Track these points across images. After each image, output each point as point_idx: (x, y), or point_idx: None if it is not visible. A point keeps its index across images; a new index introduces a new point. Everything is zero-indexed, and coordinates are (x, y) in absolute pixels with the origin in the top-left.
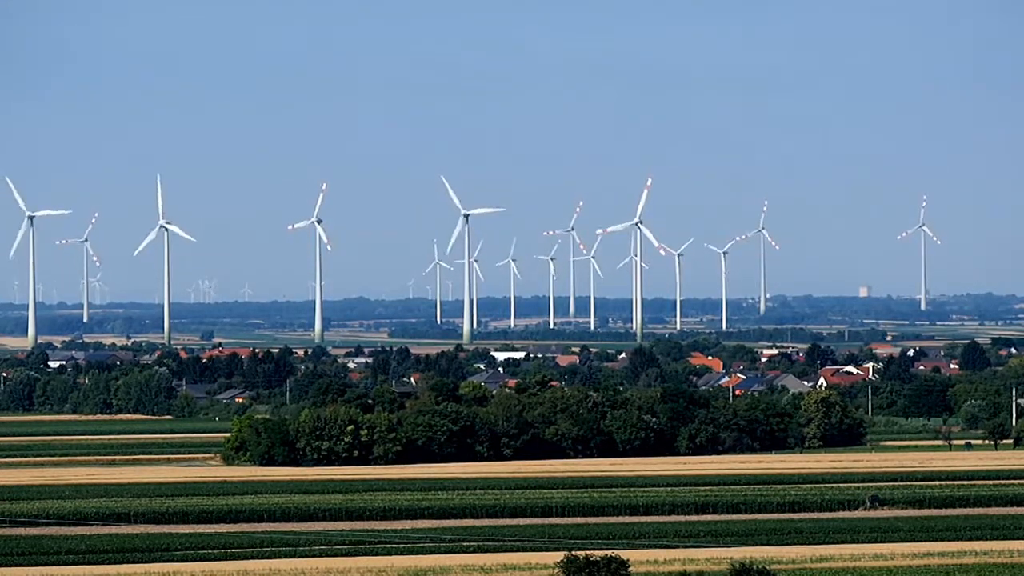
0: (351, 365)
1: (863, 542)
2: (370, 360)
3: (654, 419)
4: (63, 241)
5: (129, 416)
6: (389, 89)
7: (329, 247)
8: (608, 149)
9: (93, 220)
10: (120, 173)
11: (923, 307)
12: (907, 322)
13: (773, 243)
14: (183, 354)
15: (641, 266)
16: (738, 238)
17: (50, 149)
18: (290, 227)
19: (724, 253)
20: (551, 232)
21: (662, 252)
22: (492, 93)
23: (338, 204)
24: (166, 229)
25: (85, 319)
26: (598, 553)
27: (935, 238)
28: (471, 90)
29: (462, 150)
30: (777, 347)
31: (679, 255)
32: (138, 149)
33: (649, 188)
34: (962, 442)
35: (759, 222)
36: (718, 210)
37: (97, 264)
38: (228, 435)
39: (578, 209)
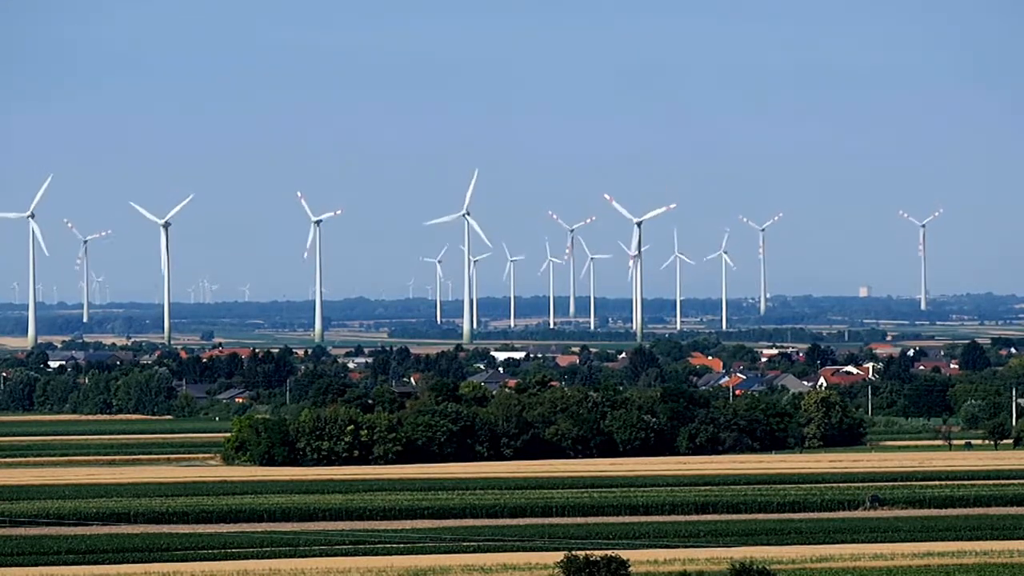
0: (351, 365)
1: (863, 542)
2: (370, 360)
3: (654, 419)
4: (79, 258)
5: (129, 416)
6: (390, 89)
7: (305, 255)
8: (608, 149)
9: (103, 233)
10: (120, 172)
11: (923, 307)
12: (907, 322)
13: (761, 250)
14: (183, 354)
15: (641, 266)
16: (741, 217)
17: (50, 148)
18: (305, 254)
19: (724, 253)
20: (554, 215)
21: (630, 262)
22: (493, 92)
23: (338, 204)
24: (167, 227)
25: (85, 319)
26: (598, 553)
27: (921, 248)
28: (472, 90)
29: (463, 150)
30: (777, 347)
31: (679, 255)
32: (138, 149)
33: (669, 209)
34: (962, 442)
35: (762, 223)
36: (718, 210)
37: (108, 233)
38: (228, 435)
39: (589, 220)
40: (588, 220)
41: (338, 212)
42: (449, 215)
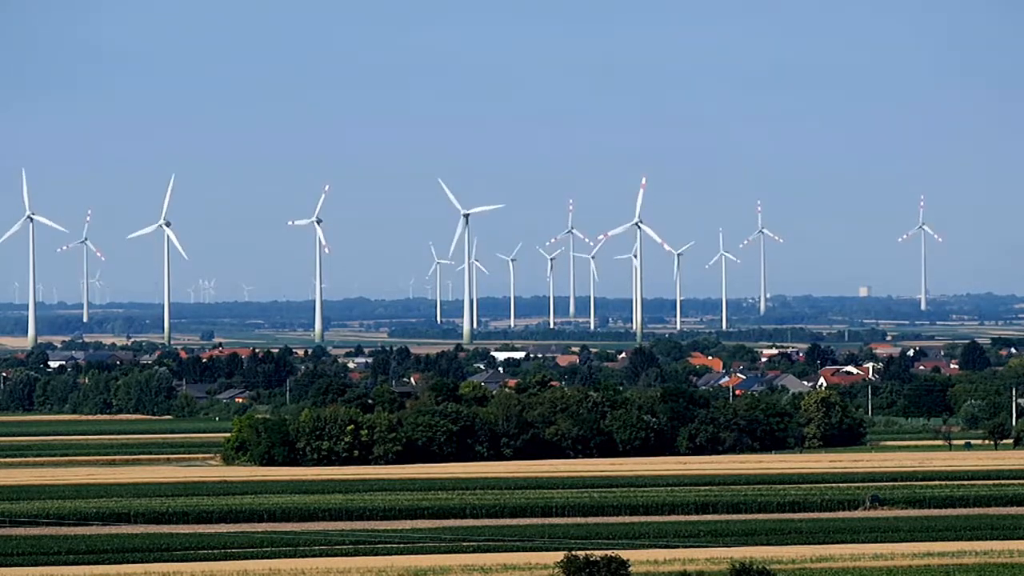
0: (351, 365)
1: (863, 542)
2: (370, 360)
3: (654, 419)
4: (64, 247)
5: (129, 416)
6: (389, 88)
7: (327, 250)
8: (608, 149)
9: (88, 218)
10: (120, 173)
11: (923, 307)
12: (907, 322)
13: (777, 238)
14: (183, 354)
15: (641, 266)
16: (743, 243)
17: (50, 148)
18: (290, 222)
19: (724, 253)
20: (554, 239)
21: (666, 247)
22: (491, 92)
23: (338, 204)
24: (165, 228)
25: (85, 319)
26: (598, 553)
27: (936, 236)
28: (471, 89)
29: (462, 150)
30: (777, 347)
31: (679, 255)
32: (138, 148)
33: (644, 187)
34: (962, 442)
35: (757, 223)
36: (718, 210)
37: (101, 258)
38: (228, 435)
39: (570, 208)
40: (570, 208)
41: (326, 188)
42: (457, 230)
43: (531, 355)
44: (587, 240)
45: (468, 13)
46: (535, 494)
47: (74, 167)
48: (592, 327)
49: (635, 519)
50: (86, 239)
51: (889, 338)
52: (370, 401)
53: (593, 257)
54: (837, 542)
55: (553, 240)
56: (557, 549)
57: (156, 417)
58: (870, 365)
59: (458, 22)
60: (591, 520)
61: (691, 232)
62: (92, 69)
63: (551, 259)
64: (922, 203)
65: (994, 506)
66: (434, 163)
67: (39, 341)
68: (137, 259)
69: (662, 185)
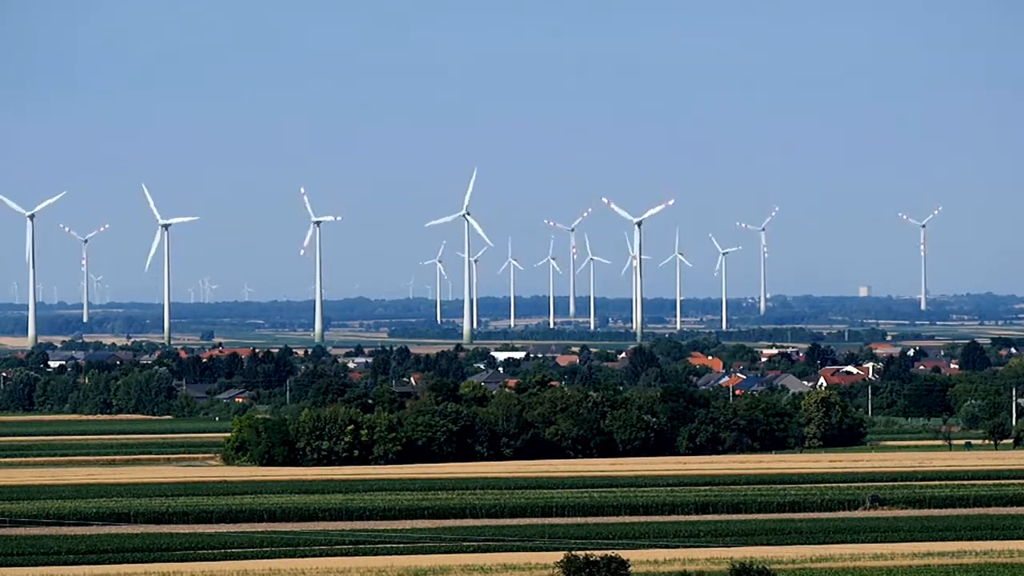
0: (351, 365)
1: (863, 542)
2: (370, 360)
3: (654, 419)
4: (66, 228)
5: (129, 416)
6: (389, 88)
7: (302, 252)
8: (609, 149)
9: (103, 228)
10: (121, 172)
11: (923, 307)
12: (907, 322)
13: (765, 250)
14: (183, 354)
15: (641, 266)
16: (738, 223)
17: (51, 149)
18: (302, 190)
19: (724, 253)
20: (551, 223)
21: (635, 263)
22: (493, 92)
23: (338, 204)
24: (166, 228)
25: (85, 319)
26: (598, 553)
27: (923, 248)
28: (472, 89)
29: (463, 150)
30: (777, 347)
31: (679, 255)
32: (139, 148)
33: (669, 205)
34: (962, 442)
35: (762, 222)
36: (718, 210)
37: (84, 268)
38: (228, 435)
39: (586, 213)
40: (585, 214)
41: (338, 218)
42: (449, 215)
43: (531, 355)
44: (575, 251)
45: (469, 13)
46: (535, 494)
47: (73, 167)
48: (592, 327)
49: (635, 519)
50: (87, 240)
51: (889, 338)
52: (370, 401)
53: (593, 259)
54: (837, 542)
55: (549, 223)
56: (557, 549)
57: (156, 417)
58: (870, 365)
59: (459, 22)
60: (591, 520)
61: (690, 230)
62: (92, 69)
63: (551, 259)
64: (937, 211)
65: (994, 506)
66: (435, 163)
67: (39, 341)
68: (137, 258)
69: (663, 184)
